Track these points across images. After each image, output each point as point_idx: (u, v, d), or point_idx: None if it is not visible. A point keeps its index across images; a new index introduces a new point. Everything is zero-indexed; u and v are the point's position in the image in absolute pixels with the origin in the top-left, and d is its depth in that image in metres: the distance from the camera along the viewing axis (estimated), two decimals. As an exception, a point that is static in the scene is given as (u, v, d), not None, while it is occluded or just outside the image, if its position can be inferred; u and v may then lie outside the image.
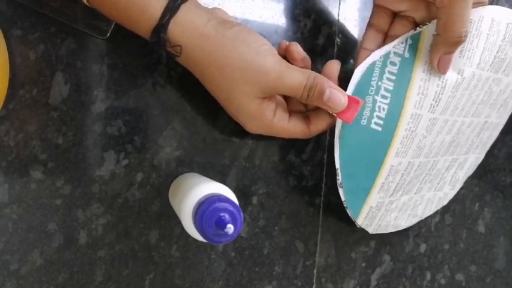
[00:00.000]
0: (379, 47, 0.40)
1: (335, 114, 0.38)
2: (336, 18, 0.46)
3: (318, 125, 0.39)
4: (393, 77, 0.39)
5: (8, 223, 0.37)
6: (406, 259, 0.52)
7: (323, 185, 0.47)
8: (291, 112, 0.39)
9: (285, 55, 0.39)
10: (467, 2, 0.34)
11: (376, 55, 0.39)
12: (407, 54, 0.39)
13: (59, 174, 0.38)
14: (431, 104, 0.39)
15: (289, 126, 0.38)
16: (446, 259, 0.54)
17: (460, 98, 0.40)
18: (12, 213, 0.37)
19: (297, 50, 0.39)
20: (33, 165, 0.37)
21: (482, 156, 0.50)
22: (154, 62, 0.40)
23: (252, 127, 0.38)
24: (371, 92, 0.39)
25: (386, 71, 0.39)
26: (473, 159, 0.49)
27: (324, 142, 0.47)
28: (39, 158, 0.37)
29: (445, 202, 0.50)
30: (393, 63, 0.39)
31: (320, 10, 0.45)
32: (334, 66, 0.38)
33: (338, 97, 0.36)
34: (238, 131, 0.43)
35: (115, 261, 0.40)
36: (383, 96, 0.39)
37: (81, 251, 0.39)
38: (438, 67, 0.38)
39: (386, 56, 0.39)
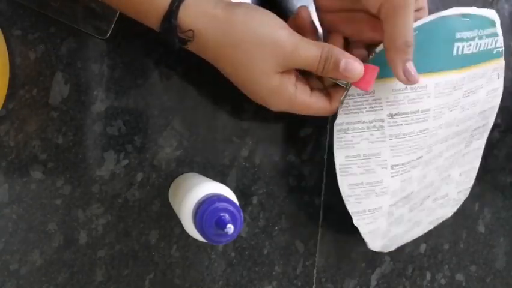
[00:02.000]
0: None
1: (352, 84, 0.37)
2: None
3: (339, 100, 0.39)
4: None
5: (8, 223, 0.37)
6: (406, 259, 0.52)
7: (323, 185, 0.47)
8: (311, 89, 0.39)
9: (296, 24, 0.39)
10: (409, 9, 0.34)
11: None
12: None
13: (59, 174, 0.38)
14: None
15: (312, 101, 0.38)
16: (446, 259, 0.54)
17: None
18: (12, 213, 0.37)
19: (306, 13, 0.39)
20: (33, 165, 0.37)
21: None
22: (155, 61, 0.40)
23: (275, 104, 0.37)
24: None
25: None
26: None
27: (324, 142, 0.47)
28: (39, 158, 0.37)
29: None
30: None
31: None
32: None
33: (355, 66, 0.35)
34: (238, 131, 0.43)
35: (115, 261, 0.40)
36: None
37: (81, 251, 0.39)
38: (407, 79, 0.36)
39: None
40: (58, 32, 0.37)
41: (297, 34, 0.35)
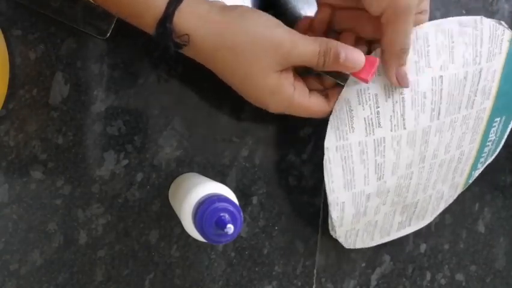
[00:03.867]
0: None
1: (352, 76, 0.37)
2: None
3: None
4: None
5: (8, 223, 0.37)
6: (406, 259, 0.52)
7: (323, 185, 0.47)
8: (309, 90, 0.39)
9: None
10: (410, 15, 0.35)
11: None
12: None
13: (59, 174, 0.38)
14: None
15: (310, 102, 0.38)
16: (446, 259, 0.54)
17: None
18: (12, 213, 0.37)
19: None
20: (33, 165, 0.37)
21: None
22: (155, 61, 0.40)
23: (273, 105, 0.37)
24: None
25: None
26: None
27: (324, 142, 0.47)
28: (39, 158, 0.37)
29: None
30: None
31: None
32: (349, 36, 0.39)
33: (356, 55, 0.35)
34: (238, 131, 0.43)
35: (115, 261, 0.40)
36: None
37: (81, 251, 0.39)
38: (399, 81, 0.38)
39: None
40: (58, 32, 0.37)
41: (294, 32, 0.35)
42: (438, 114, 0.42)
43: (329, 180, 0.41)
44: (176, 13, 0.33)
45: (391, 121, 0.40)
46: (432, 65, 0.40)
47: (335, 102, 0.39)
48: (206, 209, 0.31)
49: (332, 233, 0.44)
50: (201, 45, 0.34)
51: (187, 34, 0.34)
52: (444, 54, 0.40)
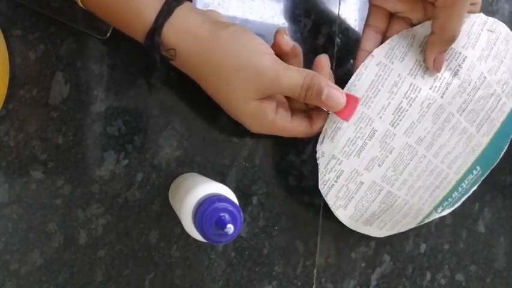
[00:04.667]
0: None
1: (332, 113, 0.38)
2: (336, 18, 0.46)
3: (321, 123, 0.39)
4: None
5: (8, 223, 0.37)
6: (406, 259, 0.52)
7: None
8: (292, 111, 0.39)
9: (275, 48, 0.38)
10: (466, 3, 0.35)
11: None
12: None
13: (59, 174, 0.38)
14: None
15: (292, 126, 0.38)
16: (446, 259, 0.54)
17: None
18: (12, 213, 0.37)
19: (283, 40, 0.37)
20: (33, 165, 0.37)
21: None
22: (155, 61, 0.40)
23: (254, 127, 0.38)
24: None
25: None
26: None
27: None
28: (39, 158, 0.37)
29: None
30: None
31: (320, 10, 0.45)
32: (323, 61, 0.38)
33: (337, 96, 0.36)
34: (238, 131, 0.43)
35: (115, 261, 0.40)
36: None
37: (81, 251, 0.39)
38: (435, 66, 0.38)
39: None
40: (58, 32, 0.37)
41: (280, 61, 0.35)
42: (463, 111, 0.41)
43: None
44: (166, 26, 0.33)
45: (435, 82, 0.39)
46: (481, 61, 0.40)
47: (318, 124, 0.39)
48: (206, 209, 0.31)
49: (320, 187, 0.42)
50: (187, 60, 0.34)
51: (173, 48, 0.34)
52: (491, 57, 0.40)
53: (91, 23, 0.37)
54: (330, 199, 0.42)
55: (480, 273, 0.57)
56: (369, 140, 0.40)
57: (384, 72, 0.39)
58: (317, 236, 0.48)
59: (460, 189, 0.47)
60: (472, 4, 0.38)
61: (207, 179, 0.38)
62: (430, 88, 0.39)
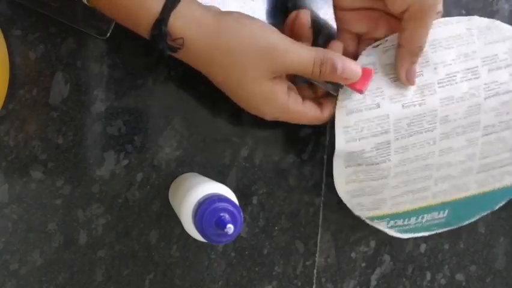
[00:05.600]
0: None
1: (346, 87, 0.37)
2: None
3: (331, 109, 0.39)
4: None
5: (8, 223, 0.37)
6: (406, 259, 0.52)
7: (323, 185, 0.47)
8: (303, 98, 0.39)
9: (292, 27, 0.39)
10: (434, 13, 0.36)
11: None
12: None
13: (59, 174, 0.38)
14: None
15: (304, 110, 0.38)
16: (446, 259, 0.54)
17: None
18: (12, 213, 0.37)
19: (307, 18, 0.38)
20: (33, 165, 0.37)
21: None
22: (155, 61, 0.40)
23: (267, 111, 0.37)
24: None
25: None
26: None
27: (324, 142, 0.47)
28: (39, 158, 0.37)
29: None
30: None
31: (320, 10, 0.45)
32: (337, 45, 0.39)
33: (353, 67, 0.36)
34: (238, 131, 0.43)
35: (115, 261, 0.40)
36: None
37: (81, 251, 0.39)
38: (407, 78, 0.39)
39: None
40: (58, 32, 0.37)
41: (289, 38, 0.35)
42: (490, 133, 0.43)
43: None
44: (172, 16, 0.33)
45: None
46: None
47: (329, 110, 0.39)
48: (206, 209, 0.31)
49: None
50: (195, 49, 0.34)
51: (181, 37, 0.33)
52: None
53: (91, 23, 0.37)
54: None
55: (480, 273, 0.57)
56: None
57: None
58: (317, 236, 0.48)
59: (412, 219, 0.46)
60: (436, 13, 0.38)
61: (207, 179, 0.38)
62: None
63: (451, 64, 0.40)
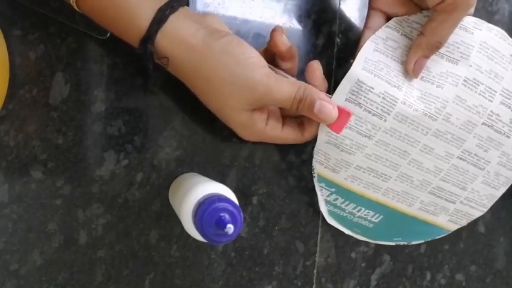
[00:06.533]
0: None
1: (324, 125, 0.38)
2: (336, 18, 0.46)
3: (312, 131, 0.39)
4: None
5: (8, 223, 0.37)
6: (406, 259, 0.52)
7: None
8: (284, 118, 0.39)
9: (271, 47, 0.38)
10: (464, 13, 0.37)
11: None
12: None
13: (59, 174, 0.38)
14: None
15: (282, 135, 0.38)
16: (446, 259, 0.54)
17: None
18: (12, 213, 0.37)
19: (281, 40, 0.36)
20: (33, 165, 0.37)
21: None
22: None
23: (244, 135, 0.38)
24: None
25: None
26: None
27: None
28: (39, 158, 0.37)
29: None
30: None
31: (319, 10, 0.45)
32: (315, 65, 0.38)
33: (329, 109, 0.36)
34: (238, 131, 0.43)
35: (115, 261, 0.40)
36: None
37: (81, 251, 0.39)
38: (414, 70, 0.39)
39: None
40: (58, 32, 0.37)
41: (272, 74, 0.35)
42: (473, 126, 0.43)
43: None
44: (159, 34, 0.33)
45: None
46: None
47: (309, 131, 0.39)
48: (206, 209, 0.31)
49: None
50: (180, 69, 0.35)
51: (166, 57, 0.34)
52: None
53: (91, 23, 0.37)
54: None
55: (480, 273, 0.57)
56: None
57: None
58: (317, 236, 0.48)
59: (350, 205, 0.46)
60: (467, 14, 0.38)
61: (207, 179, 0.38)
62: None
63: (482, 73, 0.41)
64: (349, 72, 0.39)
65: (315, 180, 0.43)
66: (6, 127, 0.36)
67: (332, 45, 0.46)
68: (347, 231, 0.47)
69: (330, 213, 0.45)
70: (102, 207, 0.39)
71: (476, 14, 0.42)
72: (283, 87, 0.35)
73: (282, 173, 0.45)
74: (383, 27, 0.40)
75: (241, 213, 0.32)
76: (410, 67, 0.39)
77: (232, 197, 0.34)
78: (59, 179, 0.38)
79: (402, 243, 0.49)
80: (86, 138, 0.38)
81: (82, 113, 0.38)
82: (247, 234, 0.44)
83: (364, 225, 0.47)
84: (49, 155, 0.37)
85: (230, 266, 0.44)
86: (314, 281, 0.48)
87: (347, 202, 0.45)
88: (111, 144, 0.39)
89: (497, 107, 0.42)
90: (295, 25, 0.44)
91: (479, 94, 0.41)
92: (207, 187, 0.34)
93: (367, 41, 0.40)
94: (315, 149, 0.42)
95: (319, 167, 0.43)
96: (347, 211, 0.45)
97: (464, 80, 0.41)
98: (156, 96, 0.40)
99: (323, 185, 0.44)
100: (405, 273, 0.52)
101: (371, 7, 0.41)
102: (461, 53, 0.41)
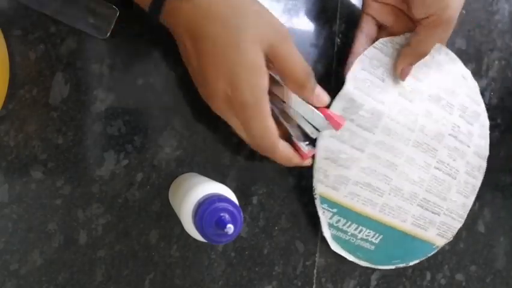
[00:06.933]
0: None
1: (327, 119, 0.38)
2: (336, 18, 0.46)
3: (300, 161, 0.39)
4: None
5: (8, 223, 0.37)
6: (406, 259, 0.52)
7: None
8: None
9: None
10: (447, 29, 0.41)
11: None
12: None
13: (59, 174, 0.38)
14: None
15: (282, 145, 0.37)
16: (446, 259, 0.54)
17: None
18: (12, 213, 0.37)
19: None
20: (33, 165, 0.37)
21: None
22: (155, 61, 0.40)
23: (247, 87, 0.33)
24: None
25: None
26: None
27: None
28: (39, 158, 0.37)
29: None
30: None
31: (319, 10, 0.45)
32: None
33: (325, 96, 0.38)
34: (238, 131, 0.42)
35: (115, 261, 0.40)
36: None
37: (81, 251, 0.39)
38: (401, 74, 0.43)
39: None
40: (58, 32, 0.37)
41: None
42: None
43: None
44: None
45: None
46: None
47: (299, 158, 0.39)
48: (206, 209, 0.31)
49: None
50: (199, 2, 0.32)
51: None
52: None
53: (91, 23, 0.37)
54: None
55: (480, 273, 0.57)
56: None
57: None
58: (317, 236, 0.48)
59: (352, 226, 0.46)
60: (449, 31, 0.42)
61: (207, 179, 0.38)
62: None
63: (442, 90, 0.46)
64: (341, 91, 0.42)
65: (317, 202, 0.44)
66: (6, 127, 0.36)
67: (331, 45, 0.46)
68: (350, 258, 0.47)
69: (334, 237, 0.45)
70: (102, 207, 0.39)
71: (476, 14, 0.42)
72: (299, 54, 0.35)
73: (282, 173, 0.45)
74: (369, 48, 0.43)
75: (241, 213, 0.32)
76: (398, 72, 0.43)
77: (232, 197, 0.34)
78: (59, 179, 0.38)
79: (401, 265, 0.49)
80: (86, 138, 0.38)
81: (81, 113, 0.38)
82: (247, 234, 0.44)
83: (366, 248, 0.47)
84: (49, 155, 0.37)
85: (230, 266, 0.44)
86: (314, 281, 0.48)
87: (349, 223, 0.45)
88: (111, 144, 0.39)
89: (457, 119, 0.47)
90: (296, 25, 0.44)
91: (441, 108, 0.46)
92: (207, 187, 0.34)
93: (356, 61, 0.42)
94: (315, 167, 0.42)
95: (320, 186, 0.43)
96: (349, 233, 0.46)
97: (429, 95, 0.46)
98: (156, 96, 0.40)
99: (325, 206, 0.44)
100: (405, 273, 0.52)
101: (364, 12, 0.43)
102: (423, 73, 0.45)
